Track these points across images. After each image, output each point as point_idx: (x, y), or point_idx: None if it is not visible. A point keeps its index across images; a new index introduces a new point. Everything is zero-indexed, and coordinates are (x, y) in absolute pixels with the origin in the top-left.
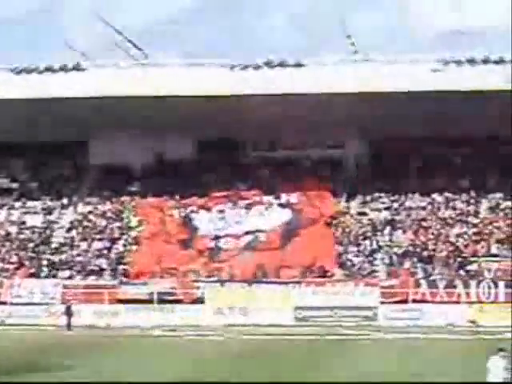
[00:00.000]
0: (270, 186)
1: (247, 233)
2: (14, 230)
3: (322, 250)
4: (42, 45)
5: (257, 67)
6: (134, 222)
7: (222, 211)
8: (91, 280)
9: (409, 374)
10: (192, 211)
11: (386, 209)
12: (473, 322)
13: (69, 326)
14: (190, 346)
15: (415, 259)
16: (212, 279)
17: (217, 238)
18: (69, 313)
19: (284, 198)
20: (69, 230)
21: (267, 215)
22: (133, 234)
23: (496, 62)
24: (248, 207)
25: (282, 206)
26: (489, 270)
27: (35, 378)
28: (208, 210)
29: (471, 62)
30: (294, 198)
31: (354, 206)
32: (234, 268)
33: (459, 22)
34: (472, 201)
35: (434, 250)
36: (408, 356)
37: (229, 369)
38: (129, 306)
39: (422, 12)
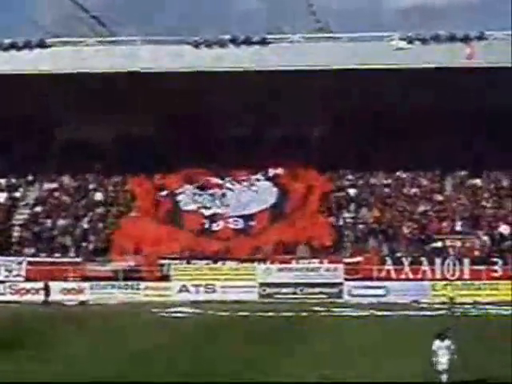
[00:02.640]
0: (242, 164)
1: (238, 215)
2: None
3: (316, 225)
4: (5, 21)
5: (222, 44)
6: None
7: (206, 190)
8: (56, 257)
9: (369, 351)
10: (176, 189)
11: (351, 186)
12: (451, 298)
13: (46, 303)
14: (155, 323)
15: (380, 236)
16: (176, 256)
17: (206, 218)
18: (47, 290)
19: (269, 173)
20: (33, 206)
21: (254, 194)
22: (99, 210)
23: (461, 40)
24: (231, 185)
25: (267, 182)
26: (453, 248)
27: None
28: (192, 187)
29: (436, 39)
30: (278, 174)
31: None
32: (229, 249)
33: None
34: (437, 178)
35: (398, 228)
36: (370, 333)
37: (193, 345)
38: (94, 283)
39: None
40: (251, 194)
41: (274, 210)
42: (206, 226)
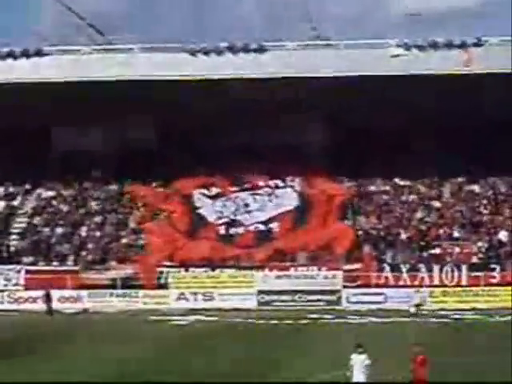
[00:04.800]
0: (241, 173)
1: (259, 221)
2: None
3: (336, 231)
4: (2, 30)
5: (219, 52)
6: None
7: (223, 197)
8: (54, 266)
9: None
10: (192, 197)
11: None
12: (418, 305)
13: (49, 312)
14: (153, 331)
15: (378, 243)
16: (175, 264)
17: (226, 225)
18: (48, 299)
19: (281, 180)
20: (32, 215)
21: (274, 201)
22: (97, 219)
23: (458, 46)
24: (253, 193)
25: (285, 189)
26: (451, 254)
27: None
28: (209, 195)
29: (433, 46)
30: (296, 182)
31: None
32: (250, 256)
33: (420, 6)
34: (434, 185)
35: (396, 235)
36: (368, 339)
37: (191, 353)
38: (92, 291)
39: None
40: (269, 201)
41: (294, 216)
42: (225, 232)
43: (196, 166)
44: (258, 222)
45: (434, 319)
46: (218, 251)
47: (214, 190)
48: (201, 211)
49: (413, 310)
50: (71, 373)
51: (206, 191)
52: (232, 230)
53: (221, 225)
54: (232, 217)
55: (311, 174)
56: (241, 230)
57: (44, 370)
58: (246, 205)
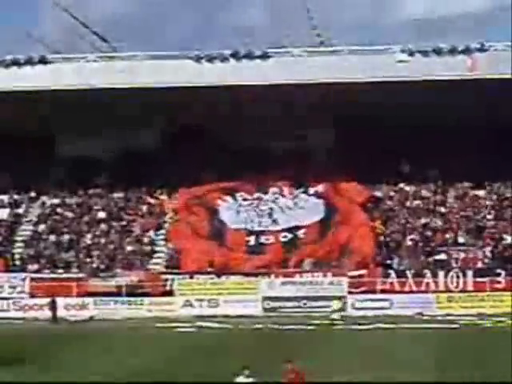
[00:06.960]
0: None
1: (285, 229)
2: None
3: (361, 236)
4: (6, 38)
5: (223, 59)
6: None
7: (246, 203)
8: (59, 273)
9: (371, 362)
10: (216, 204)
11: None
12: (338, 310)
13: (54, 319)
14: (159, 339)
15: (383, 249)
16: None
17: (251, 233)
18: (54, 306)
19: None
20: (36, 223)
21: (296, 207)
22: (101, 226)
23: (462, 52)
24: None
25: (306, 195)
26: (456, 260)
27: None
28: (232, 200)
29: (437, 51)
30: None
31: None
32: (281, 264)
33: (425, 12)
34: (439, 190)
35: (402, 240)
36: (373, 347)
37: (197, 360)
38: (97, 298)
39: (388, 1)
40: (289, 207)
41: (320, 222)
42: (254, 242)
43: (205, 173)
44: (284, 230)
45: (440, 325)
46: (249, 260)
47: (229, 196)
48: (221, 218)
49: (335, 315)
50: (75, 380)
51: (223, 197)
52: (258, 239)
53: (245, 233)
54: (256, 225)
55: (325, 179)
56: (267, 238)
57: (46, 378)
58: (270, 213)
